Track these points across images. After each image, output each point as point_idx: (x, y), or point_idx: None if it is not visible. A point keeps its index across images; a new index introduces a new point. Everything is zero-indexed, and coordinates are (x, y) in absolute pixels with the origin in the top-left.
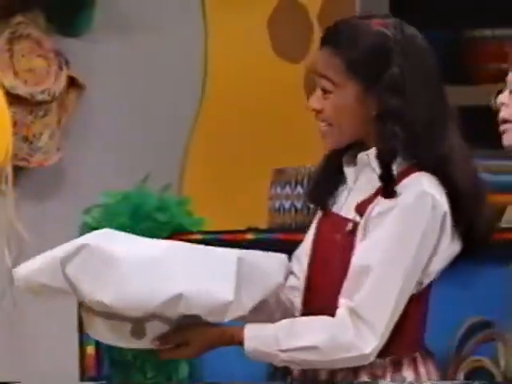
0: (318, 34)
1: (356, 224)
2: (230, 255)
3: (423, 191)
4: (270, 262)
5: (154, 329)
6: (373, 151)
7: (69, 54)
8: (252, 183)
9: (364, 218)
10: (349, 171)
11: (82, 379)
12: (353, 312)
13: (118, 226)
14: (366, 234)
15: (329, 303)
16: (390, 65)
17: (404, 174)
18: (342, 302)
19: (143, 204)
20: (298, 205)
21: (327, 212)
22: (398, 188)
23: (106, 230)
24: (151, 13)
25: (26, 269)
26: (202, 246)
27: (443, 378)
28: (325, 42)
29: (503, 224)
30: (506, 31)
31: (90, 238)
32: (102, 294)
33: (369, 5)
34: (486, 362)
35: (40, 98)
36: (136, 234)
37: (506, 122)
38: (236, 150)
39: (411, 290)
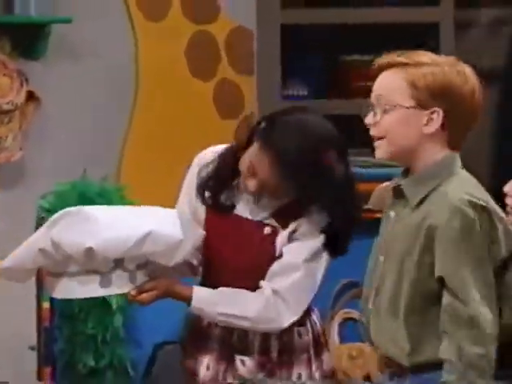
0: (224, 59)
1: (275, 229)
2: (169, 211)
3: None
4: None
5: (118, 278)
6: None
7: (28, 73)
8: (174, 175)
9: (290, 229)
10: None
11: (38, 328)
12: (279, 295)
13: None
14: (293, 239)
15: (240, 285)
16: None
17: None
18: (268, 284)
19: (87, 191)
20: None
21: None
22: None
23: (76, 208)
24: (95, 42)
25: (13, 256)
26: (147, 207)
27: (322, 327)
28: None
29: (368, 206)
30: (369, 57)
31: (69, 209)
32: (88, 242)
33: (264, 36)
34: (355, 314)
35: (5, 107)
36: None
37: (376, 139)
38: (161, 149)
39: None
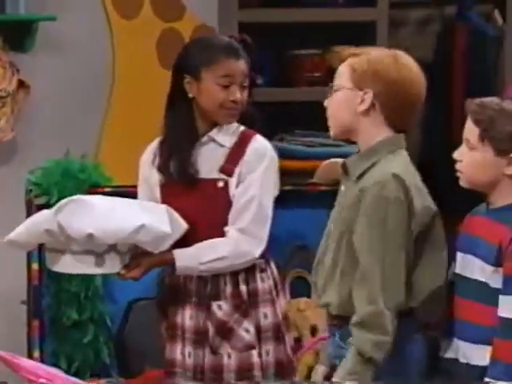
0: None
1: (226, 181)
2: (159, 206)
3: (271, 148)
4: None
5: (111, 259)
6: (214, 132)
7: (19, 64)
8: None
9: (236, 175)
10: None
11: (28, 286)
12: (245, 232)
13: (53, 183)
14: (240, 182)
15: (204, 238)
16: (188, 56)
17: (250, 135)
18: (232, 227)
19: (70, 167)
20: None
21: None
22: (253, 144)
23: (79, 196)
24: (76, 37)
25: (19, 229)
26: (138, 200)
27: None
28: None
29: (314, 180)
30: (315, 51)
31: (74, 197)
32: (89, 228)
33: (224, 33)
34: (304, 272)
35: None
36: (65, 188)
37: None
38: (135, 130)
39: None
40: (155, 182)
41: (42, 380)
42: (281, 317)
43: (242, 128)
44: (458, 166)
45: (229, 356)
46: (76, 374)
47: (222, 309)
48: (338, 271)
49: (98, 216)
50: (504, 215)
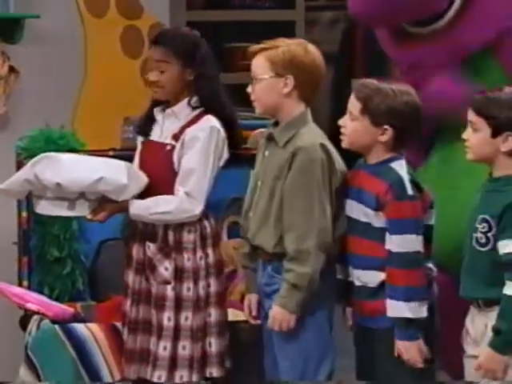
0: (146, 44)
1: (173, 146)
2: (120, 163)
3: (213, 126)
4: (138, 171)
5: (80, 205)
6: (176, 107)
7: (9, 53)
8: (112, 124)
9: (180, 141)
10: (159, 116)
11: (19, 230)
12: (188, 194)
13: (37, 148)
14: (185, 150)
15: (156, 192)
16: (200, 51)
17: (205, 115)
18: (180, 188)
19: (51, 135)
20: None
21: (148, 140)
22: (200, 124)
23: (50, 153)
24: (56, 31)
25: (8, 180)
26: (103, 158)
27: (214, 231)
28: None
29: (247, 145)
30: (247, 44)
31: (46, 153)
32: (58, 179)
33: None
34: (239, 218)
35: None
36: (48, 152)
37: (254, 102)
38: (104, 106)
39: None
40: (139, 143)
41: (29, 304)
42: (203, 263)
43: (203, 110)
44: (342, 130)
45: (152, 285)
46: (57, 299)
47: (150, 248)
48: (271, 217)
49: (65, 169)
50: (379, 170)
